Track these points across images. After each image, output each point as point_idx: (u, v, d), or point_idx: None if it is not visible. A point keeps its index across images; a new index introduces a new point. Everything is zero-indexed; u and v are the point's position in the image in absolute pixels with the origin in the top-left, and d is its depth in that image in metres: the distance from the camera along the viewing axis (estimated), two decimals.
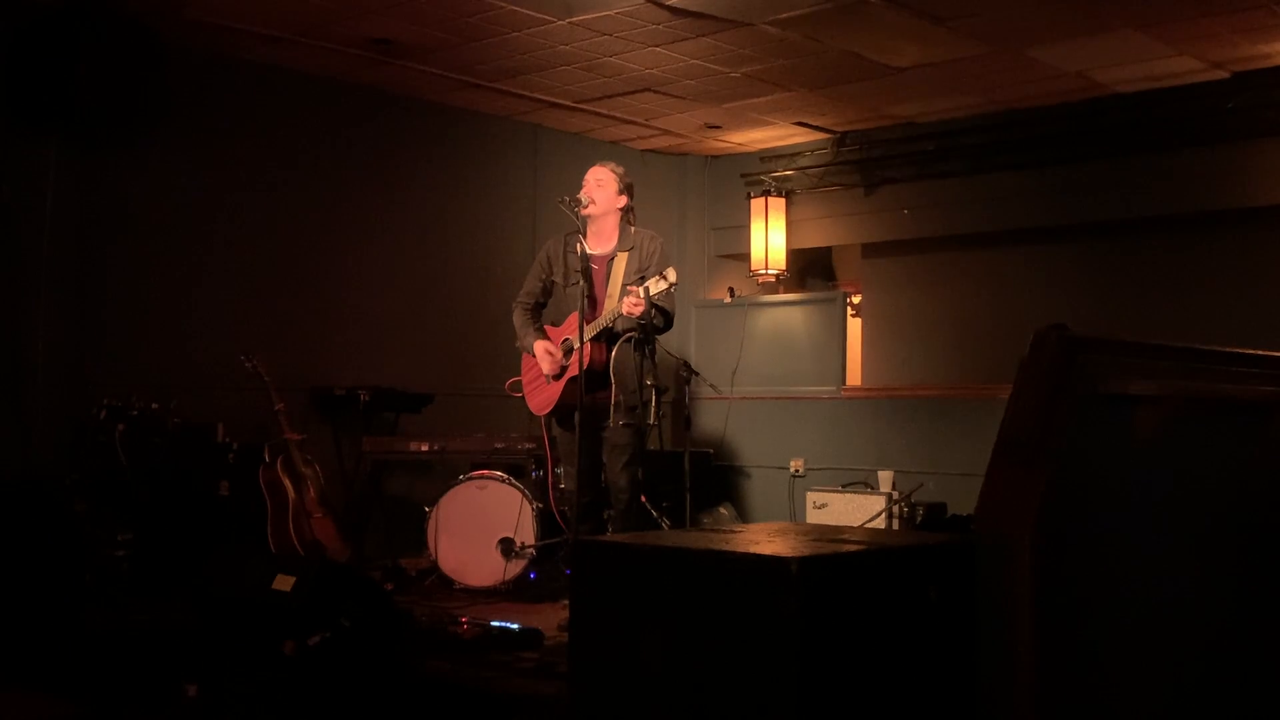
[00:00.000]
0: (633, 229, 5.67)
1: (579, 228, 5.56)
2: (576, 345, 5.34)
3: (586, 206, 5.59)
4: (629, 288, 5.37)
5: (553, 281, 5.77)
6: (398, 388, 7.24)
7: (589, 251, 5.55)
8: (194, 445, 6.20)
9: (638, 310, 5.29)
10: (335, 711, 4.07)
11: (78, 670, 4.39)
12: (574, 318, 5.50)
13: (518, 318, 5.85)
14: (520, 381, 5.88)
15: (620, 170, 5.71)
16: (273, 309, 7.10)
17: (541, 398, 5.73)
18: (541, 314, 5.87)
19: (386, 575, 6.43)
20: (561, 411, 5.65)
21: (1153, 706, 2.91)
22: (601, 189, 5.62)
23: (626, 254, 5.56)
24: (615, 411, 5.45)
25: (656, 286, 5.27)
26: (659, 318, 5.45)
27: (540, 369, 5.71)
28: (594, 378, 5.45)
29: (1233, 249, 7.34)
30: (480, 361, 7.88)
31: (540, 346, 5.69)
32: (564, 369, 5.60)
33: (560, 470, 6.13)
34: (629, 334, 5.43)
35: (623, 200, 5.67)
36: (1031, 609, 2.62)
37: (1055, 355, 2.76)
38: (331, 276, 7.42)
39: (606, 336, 5.51)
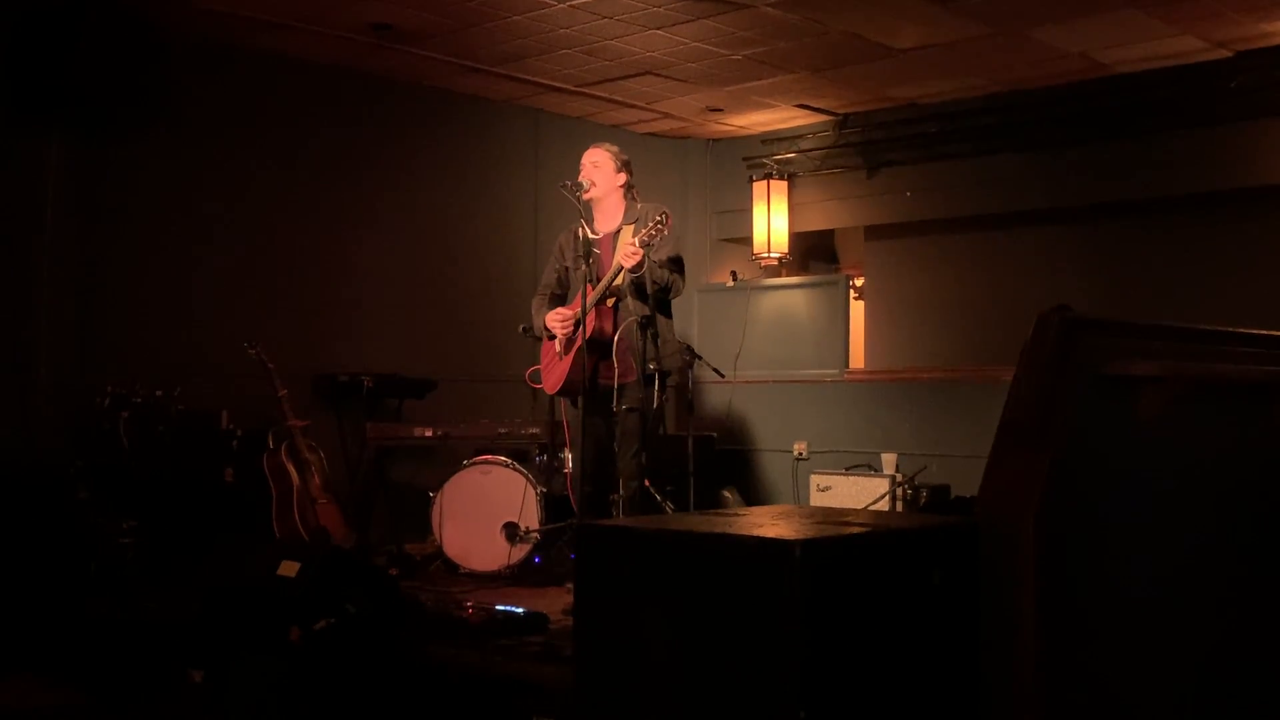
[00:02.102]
0: (638, 204, 5.70)
1: (581, 212, 5.57)
2: (587, 307, 5.44)
3: (588, 190, 5.62)
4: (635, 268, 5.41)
5: (566, 268, 5.81)
6: (401, 374, 7.25)
7: (592, 235, 5.62)
8: (198, 433, 6.21)
9: (635, 259, 5.32)
10: (341, 697, 4.08)
11: (83, 658, 4.40)
12: (586, 292, 5.55)
13: (533, 306, 5.94)
14: (539, 371, 5.91)
15: (615, 149, 5.75)
16: (275, 296, 7.10)
17: (553, 376, 5.78)
18: (560, 304, 5.90)
19: (391, 561, 6.44)
20: (572, 391, 5.67)
21: (1156, 688, 2.91)
22: (599, 170, 5.66)
23: (631, 227, 5.59)
24: (619, 396, 5.46)
25: (650, 233, 5.31)
26: (665, 271, 5.48)
27: (554, 350, 5.75)
28: (600, 346, 5.47)
29: (1236, 229, 7.32)
30: (483, 347, 7.88)
31: (551, 314, 5.74)
32: (571, 341, 5.62)
33: (569, 454, 6.15)
34: (640, 316, 5.44)
35: (622, 178, 5.71)
36: (1035, 591, 2.62)
37: (1058, 337, 2.76)
38: (334, 263, 7.41)
39: (616, 300, 5.53)
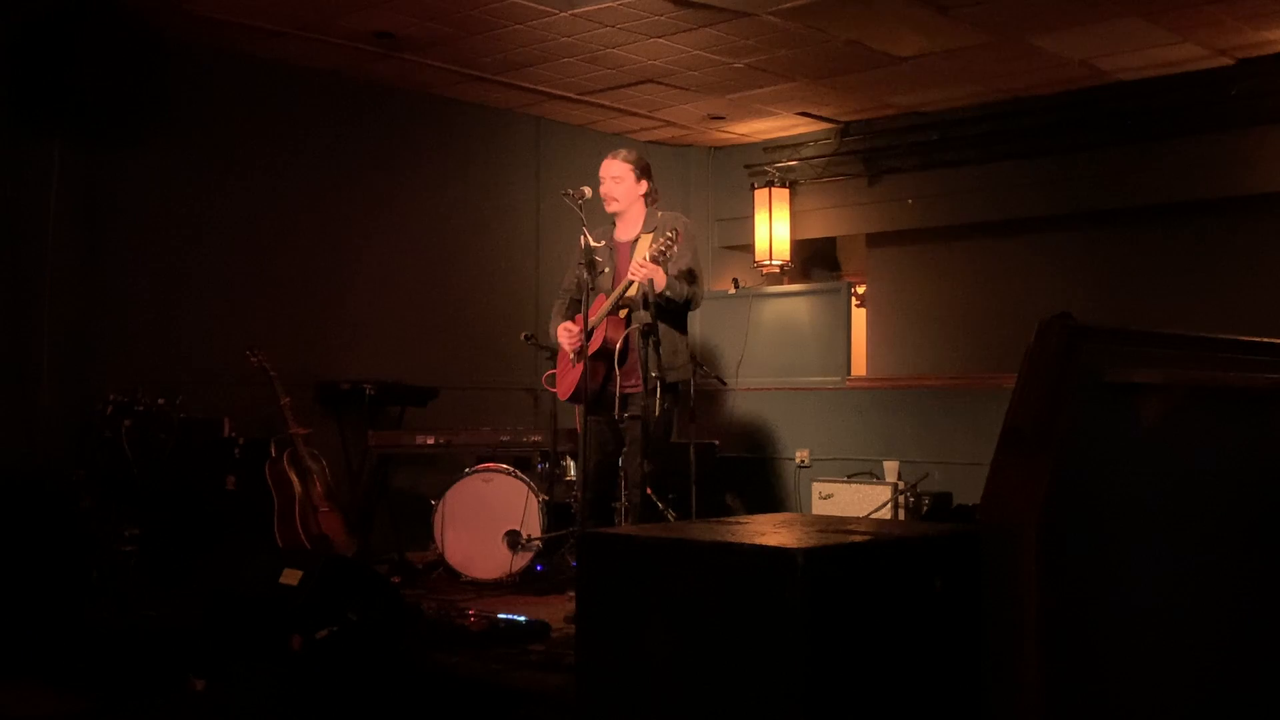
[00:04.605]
0: (659, 213, 5.68)
1: (584, 220, 5.56)
2: (597, 320, 5.46)
3: (610, 204, 5.59)
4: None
5: (579, 274, 5.76)
6: (403, 381, 7.25)
7: (611, 243, 5.63)
8: (200, 440, 6.21)
9: (642, 273, 5.31)
10: (343, 705, 4.08)
11: (85, 665, 4.40)
12: (599, 300, 5.54)
13: (553, 310, 5.93)
14: (554, 375, 5.91)
15: (633, 156, 5.69)
16: (277, 304, 7.11)
17: (565, 383, 5.78)
18: (579, 308, 5.83)
19: (393, 569, 6.44)
20: (581, 398, 5.66)
21: (1158, 694, 2.91)
22: (620, 184, 5.62)
23: (649, 235, 5.57)
24: (621, 405, 5.46)
25: (660, 248, 5.28)
26: (682, 285, 5.46)
27: (568, 357, 5.75)
28: (609, 355, 5.46)
29: (1237, 236, 7.33)
30: (485, 354, 7.89)
31: (561, 328, 5.74)
32: (583, 350, 5.61)
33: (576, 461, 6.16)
34: (642, 325, 5.43)
35: (643, 186, 5.67)
36: (1037, 598, 2.62)
37: (1060, 344, 2.76)
38: (336, 271, 7.42)
39: (629, 311, 5.51)
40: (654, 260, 5.31)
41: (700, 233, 9.34)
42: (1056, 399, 2.72)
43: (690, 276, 5.58)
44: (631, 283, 5.44)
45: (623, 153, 5.73)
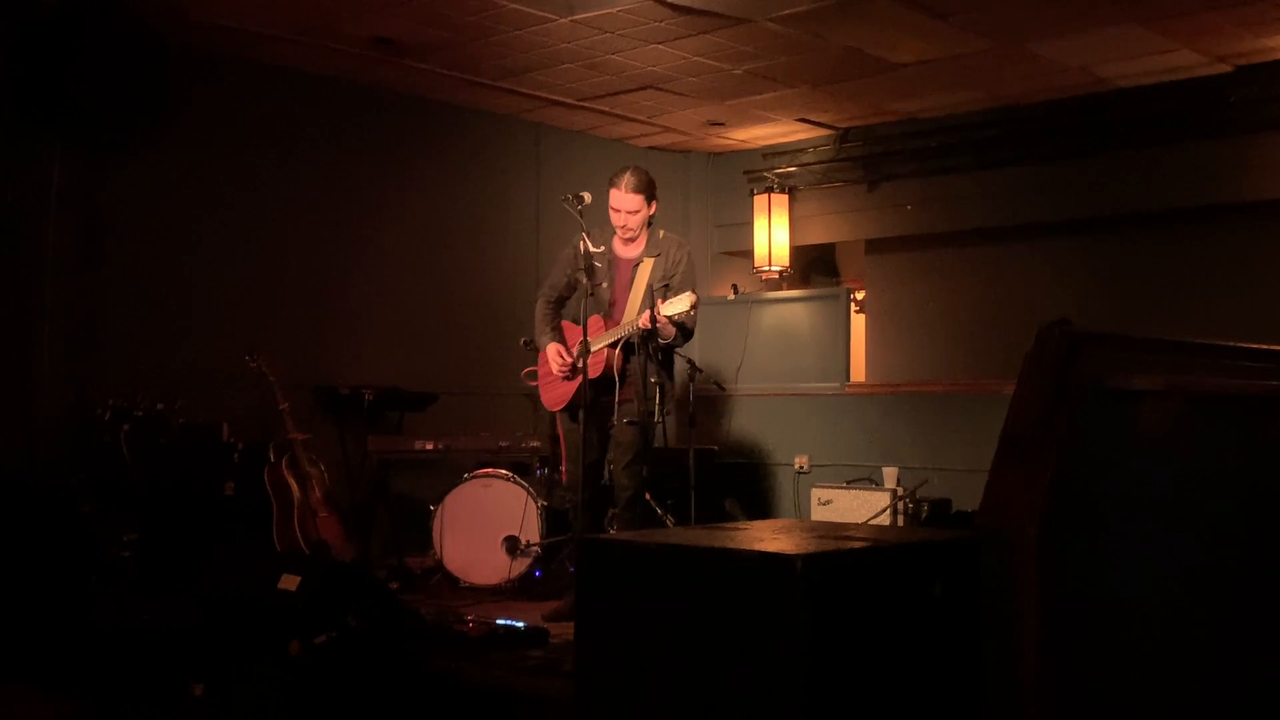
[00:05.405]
0: (661, 233, 5.65)
1: (583, 225, 5.55)
2: (594, 347, 5.43)
3: (625, 233, 5.57)
4: (649, 308, 5.34)
5: (578, 278, 5.74)
6: (402, 387, 7.25)
7: (612, 256, 5.62)
8: (199, 445, 6.21)
9: (659, 325, 5.30)
10: (341, 710, 4.08)
11: (84, 669, 4.40)
12: (594, 320, 5.51)
13: (538, 310, 5.86)
14: (535, 371, 5.89)
15: (643, 185, 5.55)
16: (277, 308, 7.11)
17: (555, 394, 5.75)
18: (563, 308, 5.83)
19: (392, 574, 6.43)
20: (574, 409, 5.65)
21: (1158, 700, 2.91)
22: (637, 216, 5.55)
23: (652, 260, 5.55)
24: (620, 409, 5.46)
25: (671, 309, 5.25)
26: (677, 336, 5.45)
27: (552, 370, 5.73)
28: (609, 383, 5.45)
29: (1236, 243, 7.33)
30: (484, 360, 7.89)
31: (553, 349, 5.70)
32: (576, 371, 5.57)
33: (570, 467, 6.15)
34: (641, 333, 5.43)
35: (652, 209, 5.62)
36: (1036, 604, 2.62)
37: (1059, 350, 2.76)
38: (335, 276, 7.42)
39: (624, 344, 5.51)
40: (672, 321, 5.29)
41: (699, 239, 9.37)
42: (1056, 405, 2.72)
43: (686, 334, 5.51)
44: (635, 328, 5.39)
45: (631, 181, 5.52)
